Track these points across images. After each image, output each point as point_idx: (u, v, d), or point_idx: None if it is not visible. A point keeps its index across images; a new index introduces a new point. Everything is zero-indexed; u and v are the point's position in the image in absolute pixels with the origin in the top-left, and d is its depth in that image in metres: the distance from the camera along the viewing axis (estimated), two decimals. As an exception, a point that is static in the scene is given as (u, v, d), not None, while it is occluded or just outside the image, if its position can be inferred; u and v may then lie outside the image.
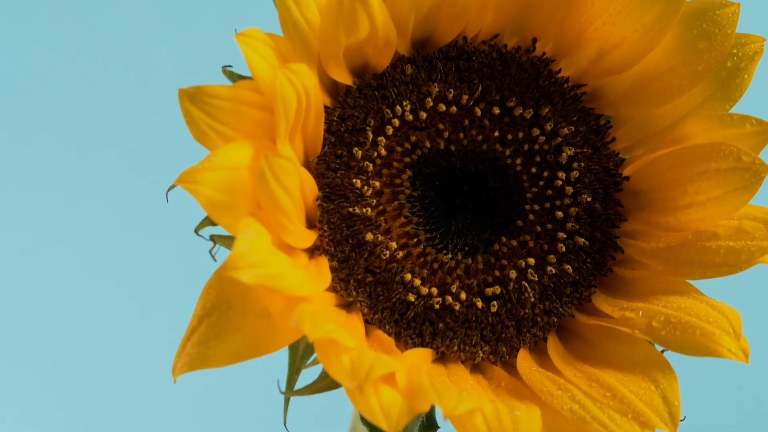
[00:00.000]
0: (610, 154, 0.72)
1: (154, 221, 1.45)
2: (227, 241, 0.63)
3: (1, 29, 1.52)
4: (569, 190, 0.71)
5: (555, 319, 0.70)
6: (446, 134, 0.70)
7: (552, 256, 0.70)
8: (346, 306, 0.66)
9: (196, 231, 0.63)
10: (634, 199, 0.72)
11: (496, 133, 0.71)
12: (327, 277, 0.63)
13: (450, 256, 0.70)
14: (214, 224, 0.61)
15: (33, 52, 1.53)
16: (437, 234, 0.70)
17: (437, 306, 0.67)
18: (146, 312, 1.49)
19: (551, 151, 0.71)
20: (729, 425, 1.49)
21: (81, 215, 1.51)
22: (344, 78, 0.65)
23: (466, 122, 0.70)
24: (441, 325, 0.67)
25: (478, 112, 0.70)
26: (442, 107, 0.69)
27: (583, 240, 0.71)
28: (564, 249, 0.70)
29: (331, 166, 0.66)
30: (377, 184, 0.67)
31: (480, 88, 0.69)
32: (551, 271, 0.70)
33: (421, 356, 0.65)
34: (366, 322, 0.65)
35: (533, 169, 0.71)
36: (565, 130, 0.71)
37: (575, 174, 0.71)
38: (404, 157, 0.69)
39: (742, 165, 0.65)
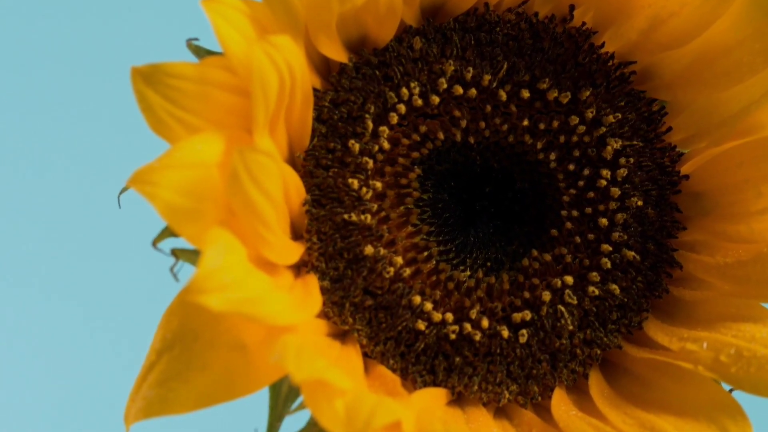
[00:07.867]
0: (665, 147, 0.72)
1: (103, 232, 1.45)
2: (192, 256, 0.63)
3: None
4: (615, 191, 0.71)
5: (598, 352, 0.70)
6: (464, 123, 0.70)
7: (594, 273, 0.70)
8: (341, 336, 0.65)
9: (154, 244, 0.62)
10: (695, 203, 0.72)
11: (526, 122, 0.70)
12: (317, 301, 0.62)
13: (468, 273, 0.70)
14: (176, 235, 0.60)
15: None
16: (453, 246, 0.70)
17: (453, 336, 0.67)
18: (93, 344, 1.49)
19: (593, 144, 0.71)
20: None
21: (20, 223, 1.52)
22: (338, 54, 0.65)
23: (488, 108, 0.70)
24: (458, 359, 0.67)
25: (503, 95, 0.69)
26: (459, 90, 0.68)
27: (632, 253, 0.70)
28: (609, 265, 0.70)
29: (322, 162, 0.66)
30: (378, 184, 0.67)
31: (505, 66, 0.69)
32: (593, 292, 0.70)
33: (433, 398, 0.65)
34: (365, 355, 0.65)
35: (571, 166, 0.71)
36: (611, 118, 0.71)
37: (623, 172, 0.71)
38: (412, 152, 0.69)
39: (830, 161, 0.66)
